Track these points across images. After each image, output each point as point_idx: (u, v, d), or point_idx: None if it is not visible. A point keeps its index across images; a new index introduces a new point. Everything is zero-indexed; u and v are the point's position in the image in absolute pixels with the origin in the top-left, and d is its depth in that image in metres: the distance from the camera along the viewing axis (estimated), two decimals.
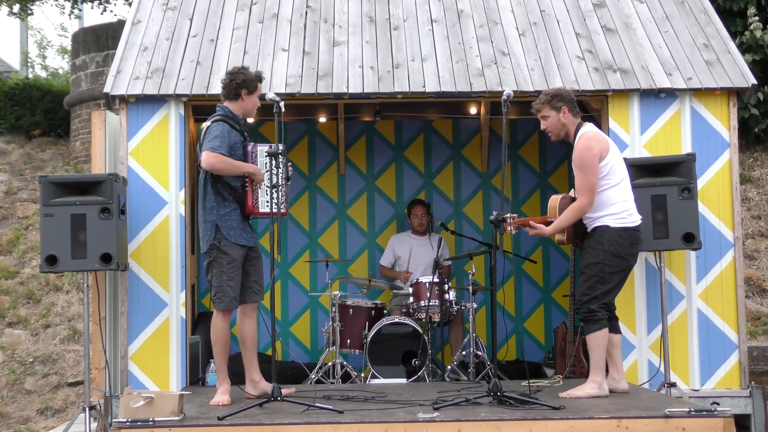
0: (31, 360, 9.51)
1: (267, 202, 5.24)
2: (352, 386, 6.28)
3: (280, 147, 5.15)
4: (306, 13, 7.26)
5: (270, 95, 5.21)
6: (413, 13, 7.32)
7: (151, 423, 4.45)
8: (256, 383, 5.38)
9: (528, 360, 7.82)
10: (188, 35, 6.97)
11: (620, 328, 5.54)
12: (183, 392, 4.94)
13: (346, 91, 6.53)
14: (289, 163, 5.42)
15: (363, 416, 4.62)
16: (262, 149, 5.32)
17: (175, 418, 4.53)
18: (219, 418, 4.54)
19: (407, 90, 6.55)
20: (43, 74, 19.02)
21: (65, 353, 9.60)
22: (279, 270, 7.89)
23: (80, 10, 15.77)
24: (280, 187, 5.16)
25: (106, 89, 6.44)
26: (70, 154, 13.33)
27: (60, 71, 19.00)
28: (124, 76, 6.52)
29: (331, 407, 4.76)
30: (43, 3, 15.48)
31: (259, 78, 5.42)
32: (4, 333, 9.89)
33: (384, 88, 6.57)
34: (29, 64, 20.62)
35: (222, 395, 5.21)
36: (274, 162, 5.19)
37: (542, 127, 5.38)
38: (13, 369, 9.36)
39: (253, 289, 5.39)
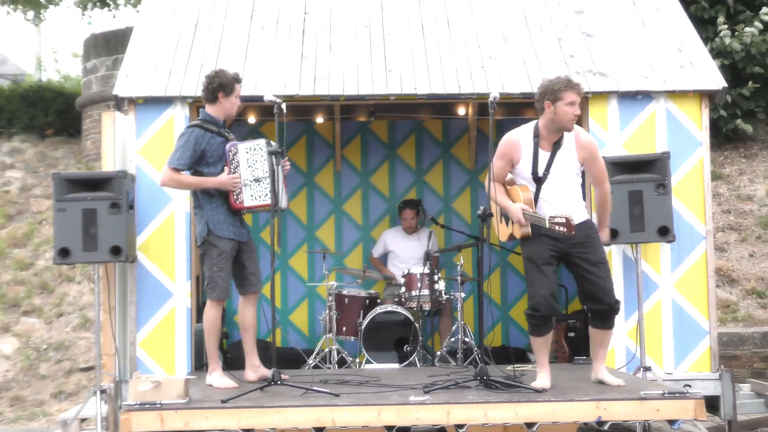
0: (45, 347, 9.50)
1: (252, 196, 5.16)
2: (348, 371, 6.27)
3: (261, 143, 5.14)
4: (304, 19, 7.24)
5: (270, 97, 5.15)
6: (405, 21, 7.29)
7: (158, 405, 4.45)
8: (256, 368, 5.38)
9: (513, 346, 7.84)
10: (193, 40, 6.95)
11: None
12: (188, 377, 4.92)
13: (342, 93, 6.50)
14: (285, 158, 5.33)
15: (358, 399, 4.62)
16: (243, 147, 5.22)
17: (181, 401, 4.52)
18: (222, 401, 4.54)
19: (399, 92, 6.53)
20: (56, 77, 18.90)
21: (77, 340, 9.60)
22: (279, 262, 7.88)
23: (90, 17, 15.69)
24: (263, 180, 5.11)
25: (116, 91, 6.41)
26: (82, 153, 13.26)
27: (71, 75, 18.89)
28: (133, 78, 6.50)
29: (328, 390, 4.75)
30: (57, 4, 15.41)
31: (236, 79, 5.30)
32: (19, 321, 9.89)
33: (378, 90, 6.54)
34: (42, 67, 20.53)
35: (224, 379, 5.21)
36: (255, 156, 5.16)
37: (576, 112, 4.79)
38: (28, 355, 9.35)
39: (250, 281, 5.37)
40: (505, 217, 5.02)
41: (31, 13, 15.31)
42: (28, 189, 12.24)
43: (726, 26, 10.18)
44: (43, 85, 15.25)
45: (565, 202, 4.84)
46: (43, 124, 13.87)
